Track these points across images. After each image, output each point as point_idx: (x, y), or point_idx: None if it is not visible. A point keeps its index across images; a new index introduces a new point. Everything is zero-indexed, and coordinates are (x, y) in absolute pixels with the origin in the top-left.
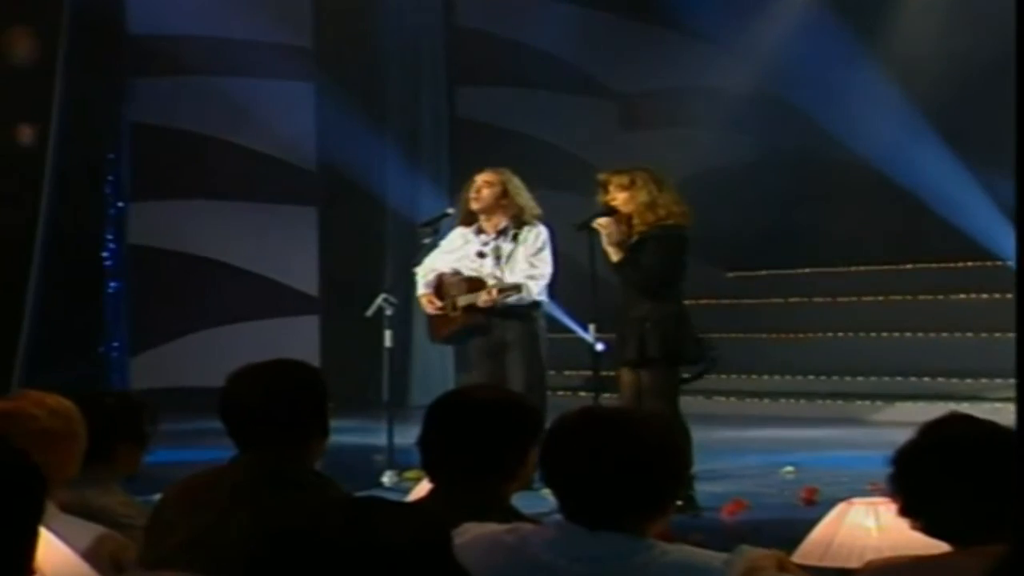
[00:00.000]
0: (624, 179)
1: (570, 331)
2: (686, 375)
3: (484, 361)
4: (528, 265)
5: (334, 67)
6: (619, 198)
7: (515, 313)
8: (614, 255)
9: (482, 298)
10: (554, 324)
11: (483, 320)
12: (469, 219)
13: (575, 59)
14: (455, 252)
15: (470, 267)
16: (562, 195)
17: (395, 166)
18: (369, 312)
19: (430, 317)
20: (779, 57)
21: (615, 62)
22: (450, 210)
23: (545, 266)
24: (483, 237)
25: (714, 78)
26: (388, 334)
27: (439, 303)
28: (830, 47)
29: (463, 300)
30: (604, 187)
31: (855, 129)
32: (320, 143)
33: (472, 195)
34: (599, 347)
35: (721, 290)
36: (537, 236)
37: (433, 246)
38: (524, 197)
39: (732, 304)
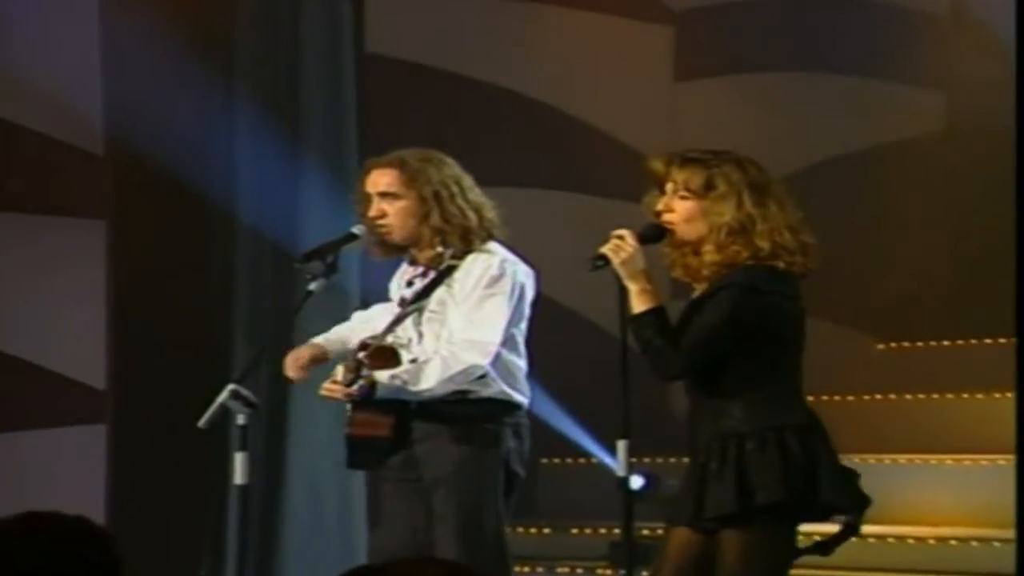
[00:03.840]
0: (696, 176)
1: (582, 453)
2: (814, 540)
3: (396, 503)
4: (450, 333)
5: None
6: (679, 209)
7: (451, 419)
8: (637, 299)
9: (324, 389)
10: (553, 443)
11: (386, 431)
12: (392, 245)
13: None
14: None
15: (393, 328)
16: (567, 201)
17: (252, 145)
18: (204, 420)
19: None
20: None
21: None
22: (357, 228)
23: (488, 329)
24: (410, 272)
25: None
26: (240, 460)
27: (304, 356)
28: None
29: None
30: (658, 182)
31: None
32: (110, 102)
33: (376, 219)
34: (636, 482)
35: (866, 373)
36: (484, 272)
37: (343, 294)
38: (468, 200)
39: (884, 401)
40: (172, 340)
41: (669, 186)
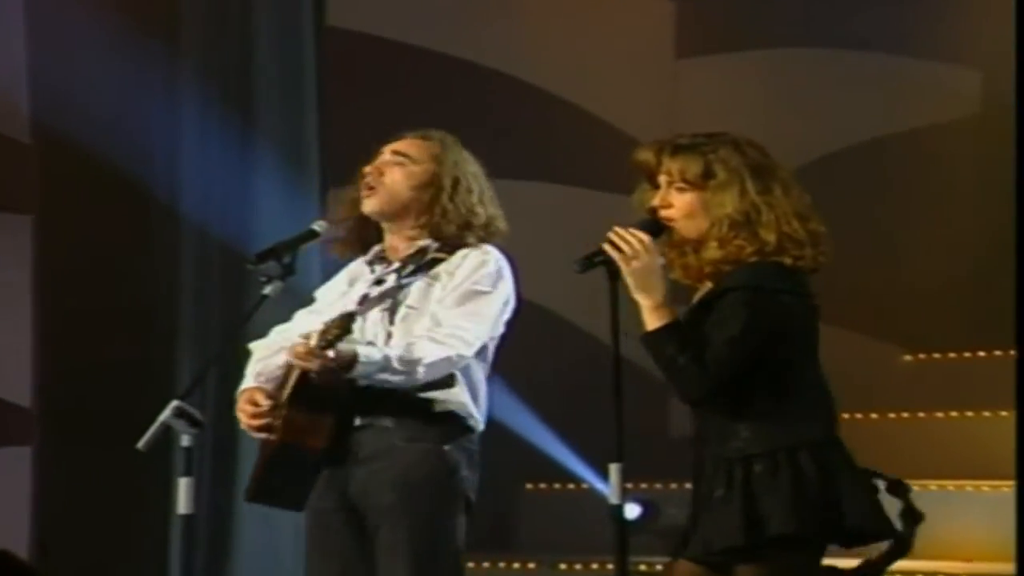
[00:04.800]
0: (692, 164)
1: (571, 478)
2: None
3: (330, 537)
4: (436, 322)
5: None
6: (678, 204)
7: (400, 435)
8: (650, 316)
9: (288, 356)
10: (538, 466)
11: (321, 439)
12: (358, 239)
13: None
14: (335, 307)
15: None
16: (554, 194)
17: (198, 132)
18: (144, 441)
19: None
20: None
21: None
22: (318, 225)
23: (476, 322)
24: (379, 269)
25: None
26: (184, 486)
27: (263, 404)
28: None
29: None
30: (648, 174)
31: None
32: (37, 83)
33: (366, 182)
34: (632, 511)
35: (891, 387)
36: (480, 265)
37: (302, 300)
38: (479, 195)
39: (912, 419)
40: (108, 351)
41: (663, 178)
